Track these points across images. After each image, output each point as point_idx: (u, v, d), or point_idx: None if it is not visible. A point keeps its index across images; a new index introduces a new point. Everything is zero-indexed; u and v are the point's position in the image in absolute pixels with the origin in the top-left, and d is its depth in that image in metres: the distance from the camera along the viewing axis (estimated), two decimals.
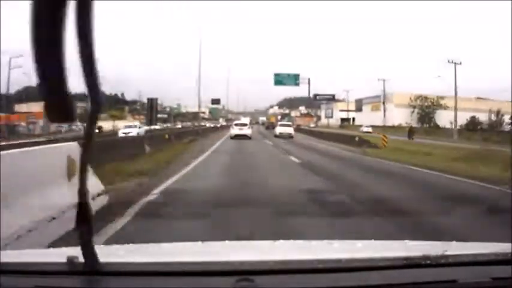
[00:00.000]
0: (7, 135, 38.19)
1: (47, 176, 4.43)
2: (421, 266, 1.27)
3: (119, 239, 3.88)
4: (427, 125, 67.38)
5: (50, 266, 1.27)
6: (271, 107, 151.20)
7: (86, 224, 1.12)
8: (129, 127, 33.39)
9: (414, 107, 69.35)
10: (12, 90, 73.32)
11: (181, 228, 4.47)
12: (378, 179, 9.95)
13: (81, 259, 1.21)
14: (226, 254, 1.39)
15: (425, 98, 69.45)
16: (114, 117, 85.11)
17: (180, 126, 72.79)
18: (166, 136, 18.90)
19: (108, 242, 3.75)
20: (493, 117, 56.57)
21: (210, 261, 1.32)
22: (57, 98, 0.87)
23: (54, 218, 3.92)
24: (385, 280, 1.22)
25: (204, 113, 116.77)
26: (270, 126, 56.42)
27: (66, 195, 4.09)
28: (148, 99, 52.48)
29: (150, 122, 48.82)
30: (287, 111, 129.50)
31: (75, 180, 2.14)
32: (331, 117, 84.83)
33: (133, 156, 11.46)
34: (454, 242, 1.77)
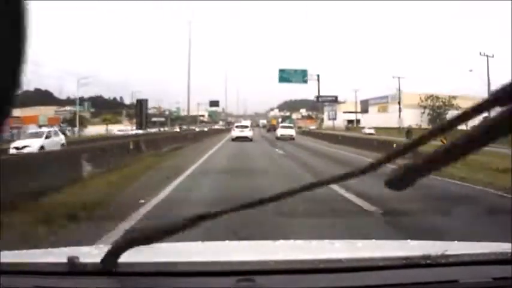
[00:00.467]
0: None
1: None
2: (421, 266, 1.25)
3: None
4: None
5: (50, 266, 1.26)
6: (272, 109, 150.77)
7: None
8: (36, 135, 20.97)
9: (425, 107, 65.72)
10: None
11: None
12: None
13: (81, 259, 1.20)
14: (227, 254, 1.36)
15: (437, 97, 65.93)
16: (107, 121, 75.89)
17: (178, 129, 68.90)
18: (131, 146, 11.46)
19: None
20: None
21: (211, 261, 1.30)
22: None
23: None
24: (385, 280, 1.20)
25: (203, 116, 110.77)
26: (272, 128, 54.88)
27: None
28: (137, 100, 45.76)
29: (140, 126, 42.07)
30: (288, 113, 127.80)
31: None
32: (335, 119, 77.53)
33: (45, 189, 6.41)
34: (454, 242, 1.71)
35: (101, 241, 5.14)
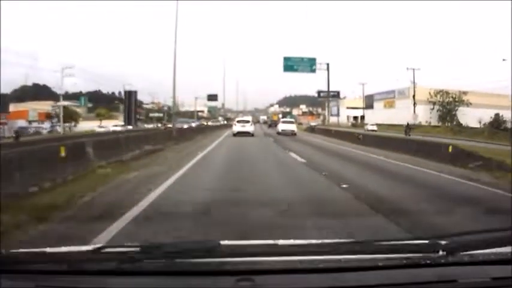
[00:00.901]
0: None
1: None
2: (421, 266, 1.26)
3: None
4: (449, 124, 59.63)
5: (50, 266, 1.27)
6: (272, 105, 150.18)
7: None
8: None
9: (434, 103, 61.34)
10: (10, 89, 69.52)
11: None
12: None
13: (81, 259, 1.22)
14: (226, 254, 1.35)
15: (447, 93, 61.69)
16: (100, 117, 69.37)
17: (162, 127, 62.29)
18: (63, 153, 7.92)
19: None
20: None
21: (210, 261, 1.30)
22: None
23: None
24: (385, 280, 1.21)
25: (202, 111, 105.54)
26: (273, 124, 53.19)
27: None
28: (125, 92, 39.68)
29: (128, 121, 36.51)
30: (288, 109, 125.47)
31: None
32: (338, 115, 71.59)
33: None
34: (454, 242, 1.62)
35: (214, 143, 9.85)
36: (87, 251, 1.32)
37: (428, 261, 1.26)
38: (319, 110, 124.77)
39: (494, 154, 11.73)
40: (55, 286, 1.19)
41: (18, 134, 32.69)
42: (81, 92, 74.12)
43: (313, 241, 1.54)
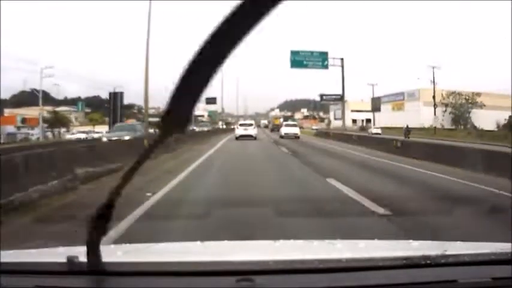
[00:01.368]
0: None
1: None
2: (421, 266, 1.24)
3: None
4: (463, 127, 55.57)
5: (50, 266, 1.25)
6: (272, 109, 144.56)
7: (102, 225, 1.11)
8: None
9: (446, 105, 56.71)
10: (8, 94, 68.90)
11: None
12: None
13: (81, 259, 1.19)
14: (226, 254, 1.33)
15: (459, 94, 57.31)
16: (93, 122, 71.98)
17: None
18: None
19: None
20: None
21: (210, 261, 1.29)
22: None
23: None
24: (385, 280, 1.20)
25: (203, 116, 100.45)
26: (276, 128, 50.93)
27: None
28: (110, 93, 33.92)
29: (113, 125, 30.71)
30: (289, 113, 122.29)
31: None
32: (343, 118, 65.69)
33: None
34: (454, 242, 1.63)
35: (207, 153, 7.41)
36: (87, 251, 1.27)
37: (428, 261, 1.23)
38: (321, 114, 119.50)
39: None
40: (55, 286, 1.17)
41: None
42: (79, 98, 73.67)
43: (313, 241, 1.54)
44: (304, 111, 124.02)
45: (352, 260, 1.27)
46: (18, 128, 59.78)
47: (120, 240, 3.59)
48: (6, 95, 70.35)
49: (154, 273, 1.22)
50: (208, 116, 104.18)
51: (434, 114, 51.93)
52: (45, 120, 59.66)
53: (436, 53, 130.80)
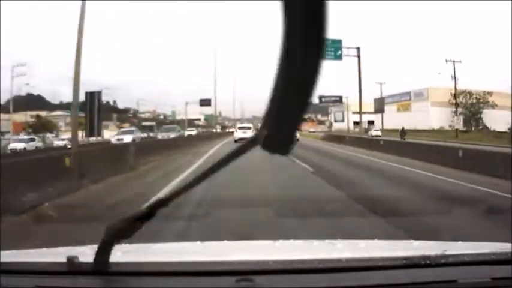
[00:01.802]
0: None
1: None
2: (421, 266, 1.23)
3: None
4: (474, 128, 51.09)
5: (50, 266, 1.24)
6: None
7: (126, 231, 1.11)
8: None
9: (457, 105, 50.60)
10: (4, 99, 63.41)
11: None
12: None
13: (82, 259, 1.19)
14: (226, 254, 1.31)
15: (470, 93, 52.58)
16: (82, 126, 56.08)
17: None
18: None
19: None
20: None
21: (210, 261, 1.28)
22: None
23: None
24: (385, 280, 1.19)
25: (199, 120, 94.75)
26: None
27: None
28: (86, 93, 27.95)
29: (90, 131, 24.60)
30: None
31: None
32: (343, 120, 59.87)
33: None
34: (454, 242, 1.61)
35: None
36: (87, 251, 1.28)
37: (428, 261, 1.22)
38: (319, 117, 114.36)
39: None
40: (55, 286, 1.17)
41: None
42: (100, 104, 66.67)
43: (313, 241, 1.50)
44: None
45: (352, 260, 1.25)
46: (2, 133, 54.76)
47: None
48: (3, 99, 67.83)
49: (154, 273, 1.21)
50: (205, 119, 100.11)
51: (456, 114, 46.72)
52: (29, 126, 54.86)
53: (440, 52, 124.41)
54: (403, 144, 23.03)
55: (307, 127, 79.49)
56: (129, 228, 1.08)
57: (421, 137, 35.61)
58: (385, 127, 51.85)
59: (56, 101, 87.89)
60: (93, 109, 33.03)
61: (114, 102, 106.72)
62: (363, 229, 4.82)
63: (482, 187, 8.46)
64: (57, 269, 1.19)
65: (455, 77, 45.83)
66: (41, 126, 54.90)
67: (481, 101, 51.72)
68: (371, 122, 68.43)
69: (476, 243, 1.67)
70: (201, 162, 13.61)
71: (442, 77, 59.93)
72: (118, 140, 23.07)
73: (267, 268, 1.19)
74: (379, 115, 62.28)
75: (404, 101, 59.60)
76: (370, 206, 5.93)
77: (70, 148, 17.98)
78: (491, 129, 46.86)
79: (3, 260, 1.21)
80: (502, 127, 45.42)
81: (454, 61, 45.64)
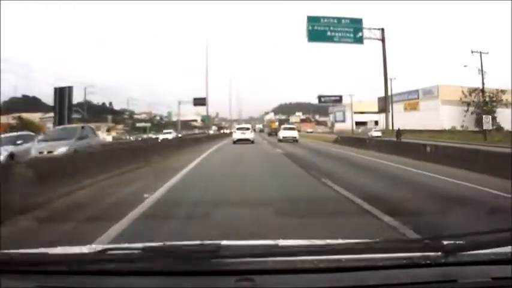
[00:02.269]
0: None
1: None
2: (421, 266, 1.22)
3: None
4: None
5: (50, 266, 1.23)
6: (267, 113, 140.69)
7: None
8: None
9: (468, 103, 47.11)
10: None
11: None
12: None
13: (81, 259, 1.21)
14: (227, 254, 1.30)
15: (482, 91, 46.05)
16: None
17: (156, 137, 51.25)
18: None
19: None
20: None
21: (210, 261, 1.26)
22: None
23: None
24: (385, 280, 1.18)
25: (196, 121, 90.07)
26: (273, 132, 47.80)
27: None
28: (55, 89, 22.89)
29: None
30: (283, 117, 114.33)
31: None
32: (343, 121, 54.88)
33: None
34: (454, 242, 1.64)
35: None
36: (87, 251, 1.28)
37: (428, 261, 1.21)
38: (317, 117, 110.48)
39: None
40: (55, 286, 1.15)
41: None
42: (86, 104, 66.94)
43: (313, 241, 1.48)
44: (300, 114, 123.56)
45: (352, 260, 1.24)
46: None
47: None
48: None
49: (155, 273, 1.20)
50: (201, 120, 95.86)
51: (493, 113, 41.62)
52: (12, 127, 51.91)
53: (445, 49, 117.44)
54: (472, 151, 17.35)
55: (304, 127, 74.88)
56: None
57: (437, 139, 30.90)
58: (390, 127, 47.36)
59: (52, 103, 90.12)
60: (63, 108, 27.87)
61: (110, 103, 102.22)
62: None
63: None
64: (57, 269, 1.19)
65: (482, 70, 41.06)
66: (24, 128, 50.37)
67: (494, 99, 47.86)
68: (366, 123, 63.77)
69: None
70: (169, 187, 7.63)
71: (452, 74, 54.95)
72: (41, 152, 12.31)
73: (267, 268, 1.18)
74: (383, 115, 57.58)
75: (412, 99, 55.88)
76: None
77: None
78: (506, 129, 42.20)
79: (3, 260, 1.20)
80: None
81: (480, 52, 40.02)
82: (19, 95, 77.45)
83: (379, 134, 44.52)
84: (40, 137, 15.09)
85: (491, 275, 1.17)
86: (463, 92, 47.65)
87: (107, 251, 1.26)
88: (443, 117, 48.61)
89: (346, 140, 29.26)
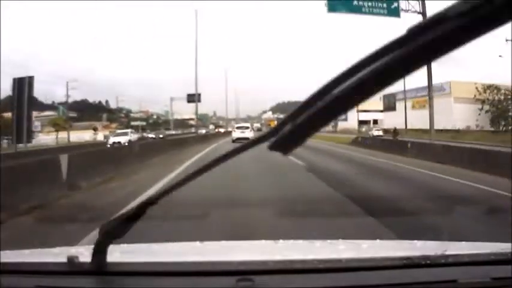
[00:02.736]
0: None
1: None
2: (421, 266, 1.20)
3: None
4: (503, 128, 40.84)
5: (50, 266, 1.21)
6: (265, 112, 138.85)
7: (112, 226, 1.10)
8: None
9: (483, 101, 42.75)
10: None
11: None
12: None
13: (82, 259, 1.16)
14: (226, 254, 1.26)
15: (497, 88, 42.46)
16: (57, 127, 56.26)
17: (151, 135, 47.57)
18: None
19: None
20: None
21: (210, 261, 1.24)
22: None
23: None
24: (385, 280, 1.15)
25: (192, 119, 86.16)
26: None
27: None
28: (14, 79, 17.68)
29: (17, 135, 13.04)
30: (281, 116, 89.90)
31: None
32: (346, 119, 60.27)
33: None
34: (454, 242, 1.56)
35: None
36: (87, 251, 1.25)
37: (428, 261, 1.19)
38: None
39: None
40: (55, 286, 1.13)
41: None
42: (66, 102, 62.72)
43: (314, 241, 1.45)
44: None
45: (352, 260, 1.23)
46: None
47: None
48: None
49: (154, 273, 1.18)
50: (199, 119, 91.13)
51: (501, 111, 37.42)
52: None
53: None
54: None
55: None
56: (121, 228, 1.06)
57: (461, 140, 26.68)
58: (397, 126, 43.20)
59: (49, 101, 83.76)
60: (21, 103, 22.50)
61: (107, 102, 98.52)
62: None
63: None
64: (57, 269, 1.17)
65: None
66: (4, 128, 45.79)
67: (510, 97, 44.70)
68: (369, 122, 59.60)
69: (476, 243, 1.58)
70: None
71: (462, 69, 50.58)
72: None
73: (267, 268, 1.17)
74: (389, 113, 53.01)
75: (421, 96, 50.53)
76: None
77: None
78: None
79: (3, 260, 1.18)
80: None
81: None
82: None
83: (380, 133, 43.13)
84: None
85: (491, 275, 1.13)
86: (477, 88, 44.60)
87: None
88: (456, 115, 44.83)
89: (368, 141, 23.48)
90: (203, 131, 53.43)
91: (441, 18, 0.55)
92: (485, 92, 44.83)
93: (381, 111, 59.87)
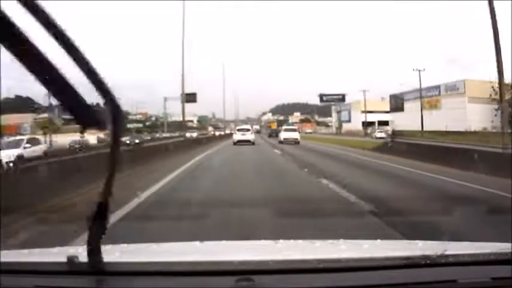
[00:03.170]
0: None
1: None
2: (421, 266, 1.19)
3: None
4: None
5: (50, 266, 1.21)
6: (264, 114, 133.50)
7: (99, 225, 1.09)
8: None
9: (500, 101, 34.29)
10: None
11: None
12: None
13: (81, 259, 1.17)
14: (226, 254, 1.25)
15: None
16: (44, 129, 49.91)
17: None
18: None
19: None
20: None
21: (210, 261, 1.24)
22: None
23: None
24: (385, 280, 1.15)
25: (192, 121, 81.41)
26: (274, 133, 43.85)
27: None
28: None
29: None
30: (281, 117, 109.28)
31: None
32: (349, 121, 44.84)
33: None
34: (454, 242, 1.55)
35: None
36: (87, 251, 1.32)
37: (428, 261, 1.18)
38: (316, 117, 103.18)
39: None
40: (54, 286, 1.13)
41: None
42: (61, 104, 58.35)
43: (313, 241, 1.41)
44: (298, 114, 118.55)
45: (352, 260, 1.22)
46: None
47: None
48: None
49: (154, 273, 1.18)
50: (198, 121, 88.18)
51: None
52: None
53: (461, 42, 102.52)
54: None
55: (304, 128, 67.21)
56: (103, 225, 1.09)
57: (490, 144, 22.64)
58: (406, 128, 41.62)
59: (46, 103, 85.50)
60: None
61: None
62: None
63: None
64: (57, 269, 1.17)
65: None
66: None
67: None
68: (374, 123, 55.84)
69: (476, 243, 1.57)
70: None
71: (475, 68, 46.73)
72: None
73: (267, 268, 1.16)
74: (397, 114, 48.99)
75: (431, 96, 48.85)
76: None
77: None
78: None
79: (3, 260, 1.18)
80: None
81: None
82: (12, 95, 75.83)
83: (383, 135, 41.97)
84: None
85: (491, 275, 1.13)
86: (493, 87, 42.20)
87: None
88: (471, 116, 42.40)
89: (412, 148, 15.59)
90: (194, 134, 43.44)
91: None
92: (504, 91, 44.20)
93: (387, 112, 56.57)
